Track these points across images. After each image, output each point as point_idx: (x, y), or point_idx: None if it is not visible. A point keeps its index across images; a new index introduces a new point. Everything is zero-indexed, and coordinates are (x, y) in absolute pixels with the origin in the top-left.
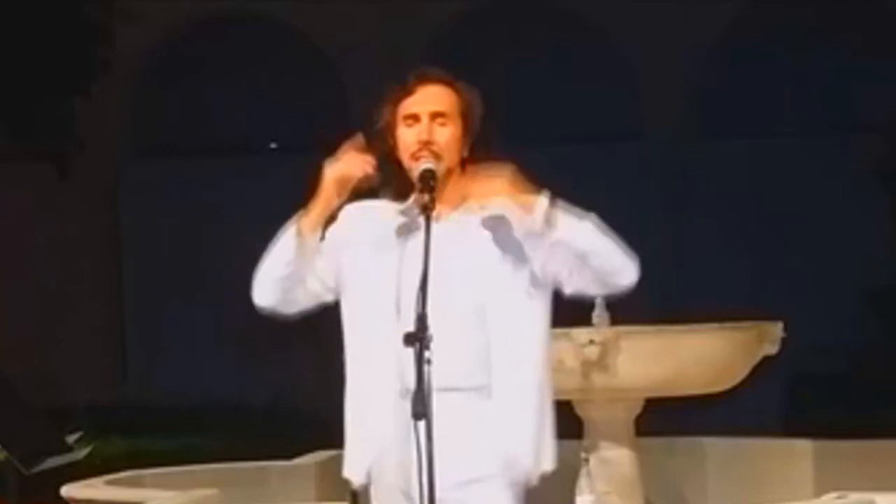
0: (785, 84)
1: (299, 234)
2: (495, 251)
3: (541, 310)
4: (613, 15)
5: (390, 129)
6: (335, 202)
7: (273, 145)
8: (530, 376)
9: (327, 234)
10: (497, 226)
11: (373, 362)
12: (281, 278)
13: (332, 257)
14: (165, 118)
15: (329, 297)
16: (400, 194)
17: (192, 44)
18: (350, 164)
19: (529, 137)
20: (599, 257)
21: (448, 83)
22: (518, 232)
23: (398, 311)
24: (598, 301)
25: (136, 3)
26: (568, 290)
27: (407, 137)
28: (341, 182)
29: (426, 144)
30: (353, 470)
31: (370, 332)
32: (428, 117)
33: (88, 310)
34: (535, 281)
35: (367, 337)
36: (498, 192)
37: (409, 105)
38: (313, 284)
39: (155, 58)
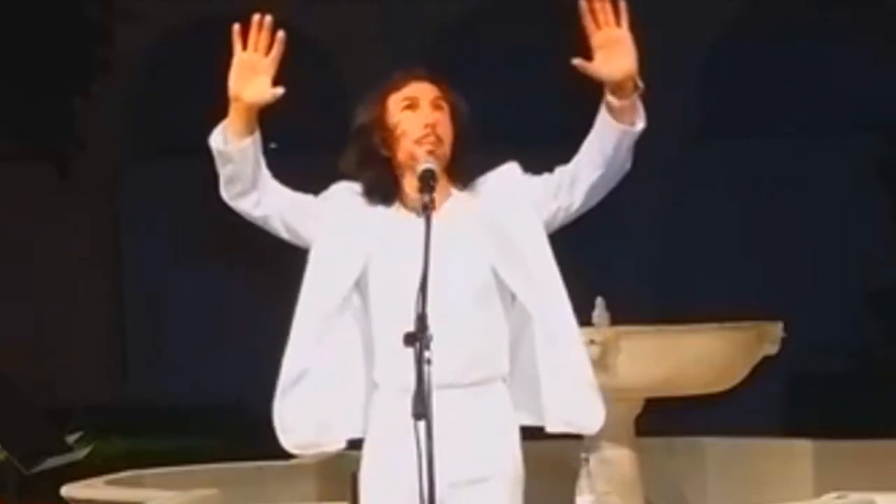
0: (785, 84)
1: (216, 144)
2: (498, 230)
3: (558, 276)
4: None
5: (380, 122)
6: (247, 99)
7: (273, 145)
8: (571, 333)
9: (319, 198)
10: (497, 200)
11: (325, 344)
12: (226, 183)
13: (308, 215)
14: (165, 118)
15: (286, 235)
16: (385, 199)
17: (192, 44)
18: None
19: (529, 138)
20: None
21: (435, 81)
22: (525, 188)
23: (357, 278)
24: (598, 301)
25: (136, 3)
26: (580, 193)
27: (411, 121)
28: (242, 72)
29: (432, 127)
30: (291, 442)
31: (325, 314)
32: (428, 104)
33: (88, 310)
34: (544, 237)
35: (322, 316)
36: (621, 75)
37: (407, 92)
38: (284, 205)
39: (155, 58)
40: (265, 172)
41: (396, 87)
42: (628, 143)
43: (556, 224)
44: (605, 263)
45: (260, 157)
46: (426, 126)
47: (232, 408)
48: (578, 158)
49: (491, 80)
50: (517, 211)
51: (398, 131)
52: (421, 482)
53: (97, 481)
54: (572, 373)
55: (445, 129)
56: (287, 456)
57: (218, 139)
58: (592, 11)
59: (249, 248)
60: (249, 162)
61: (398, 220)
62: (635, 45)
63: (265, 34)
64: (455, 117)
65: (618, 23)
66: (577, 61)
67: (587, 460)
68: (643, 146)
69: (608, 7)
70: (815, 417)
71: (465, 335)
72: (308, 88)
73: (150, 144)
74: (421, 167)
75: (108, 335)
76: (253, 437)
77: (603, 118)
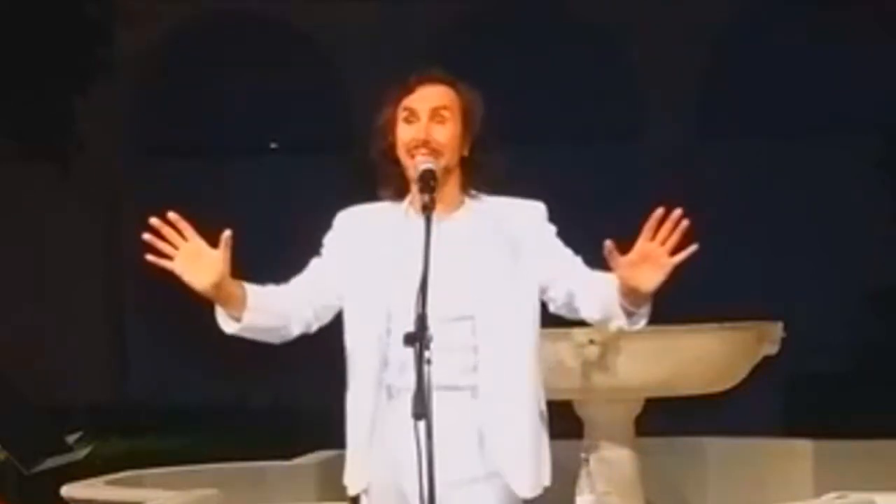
0: (785, 84)
1: (230, 331)
2: (494, 251)
3: (534, 313)
4: (613, 15)
5: (390, 126)
6: (211, 283)
7: (273, 145)
8: (524, 383)
9: (325, 243)
10: (507, 234)
11: (364, 364)
12: (278, 340)
13: (332, 273)
14: (165, 118)
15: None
16: (398, 194)
17: (192, 44)
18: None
19: (530, 138)
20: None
21: (449, 83)
22: (529, 233)
23: (388, 311)
24: None
25: (136, 3)
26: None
27: (405, 134)
28: (190, 268)
29: (424, 142)
30: (352, 478)
31: (362, 333)
32: (427, 115)
33: (88, 310)
34: (530, 281)
35: (360, 339)
36: (638, 288)
37: (409, 102)
38: (321, 312)
39: (155, 58)
40: (275, 293)
41: (407, 92)
42: (623, 325)
43: (542, 296)
44: (605, 263)
45: (265, 296)
46: (416, 140)
47: (232, 408)
48: (585, 285)
49: (490, 80)
50: (520, 256)
51: (398, 142)
52: (421, 482)
53: (97, 481)
54: (519, 432)
55: (445, 140)
56: (287, 456)
57: (228, 326)
58: (659, 225)
59: (249, 246)
60: (265, 308)
61: (408, 226)
62: None
63: (168, 230)
64: (467, 122)
65: (672, 253)
66: (608, 244)
67: (587, 460)
68: (643, 146)
69: (675, 235)
70: (815, 417)
71: (466, 339)
72: (308, 88)
73: (150, 144)
74: (420, 167)
75: (108, 335)
76: (253, 438)
77: (612, 290)
